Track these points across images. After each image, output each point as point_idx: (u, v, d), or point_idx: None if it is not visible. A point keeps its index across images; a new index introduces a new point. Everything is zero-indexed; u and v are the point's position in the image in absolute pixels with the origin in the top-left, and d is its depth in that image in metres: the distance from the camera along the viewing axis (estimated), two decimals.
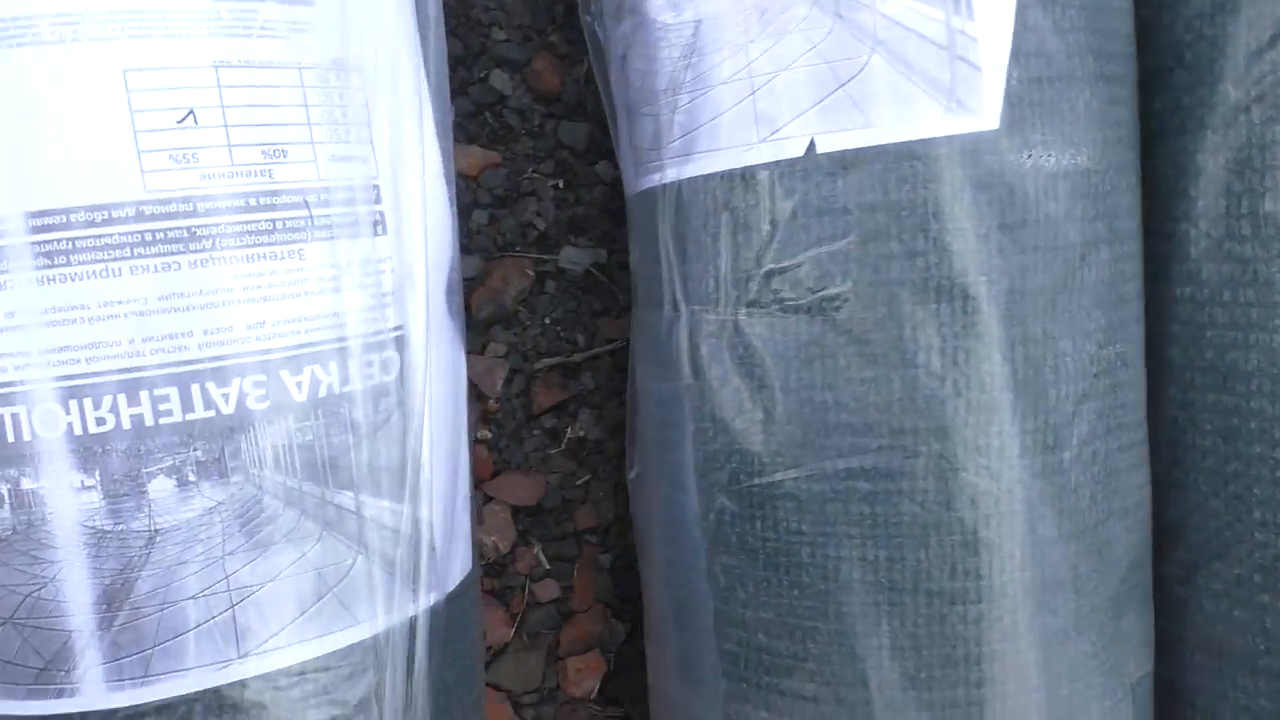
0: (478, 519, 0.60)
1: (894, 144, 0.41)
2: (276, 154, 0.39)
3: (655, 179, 0.47)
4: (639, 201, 0.50)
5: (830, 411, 0.43)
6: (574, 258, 0.62)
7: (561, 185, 0.63)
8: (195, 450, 0.38)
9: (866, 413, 0.42)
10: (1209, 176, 0.46)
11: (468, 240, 0.61)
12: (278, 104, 0.39)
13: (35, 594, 0.38)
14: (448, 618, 0.44)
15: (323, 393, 0.40)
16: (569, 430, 0.63)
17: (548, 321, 0.63)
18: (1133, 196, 0.46)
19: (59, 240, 0.37)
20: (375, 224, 0.42)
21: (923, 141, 0.41)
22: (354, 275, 0.41)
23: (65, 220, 0.37)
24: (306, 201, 0.39)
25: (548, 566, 0.63)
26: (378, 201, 0.42)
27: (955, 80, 0.41)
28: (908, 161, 0.41)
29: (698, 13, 0.44)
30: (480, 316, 0.61)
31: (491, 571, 0.62)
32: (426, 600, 0.43)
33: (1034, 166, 0.42)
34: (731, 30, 0.43)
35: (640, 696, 0.62)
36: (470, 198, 0.61)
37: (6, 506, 0.38)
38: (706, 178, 0.44)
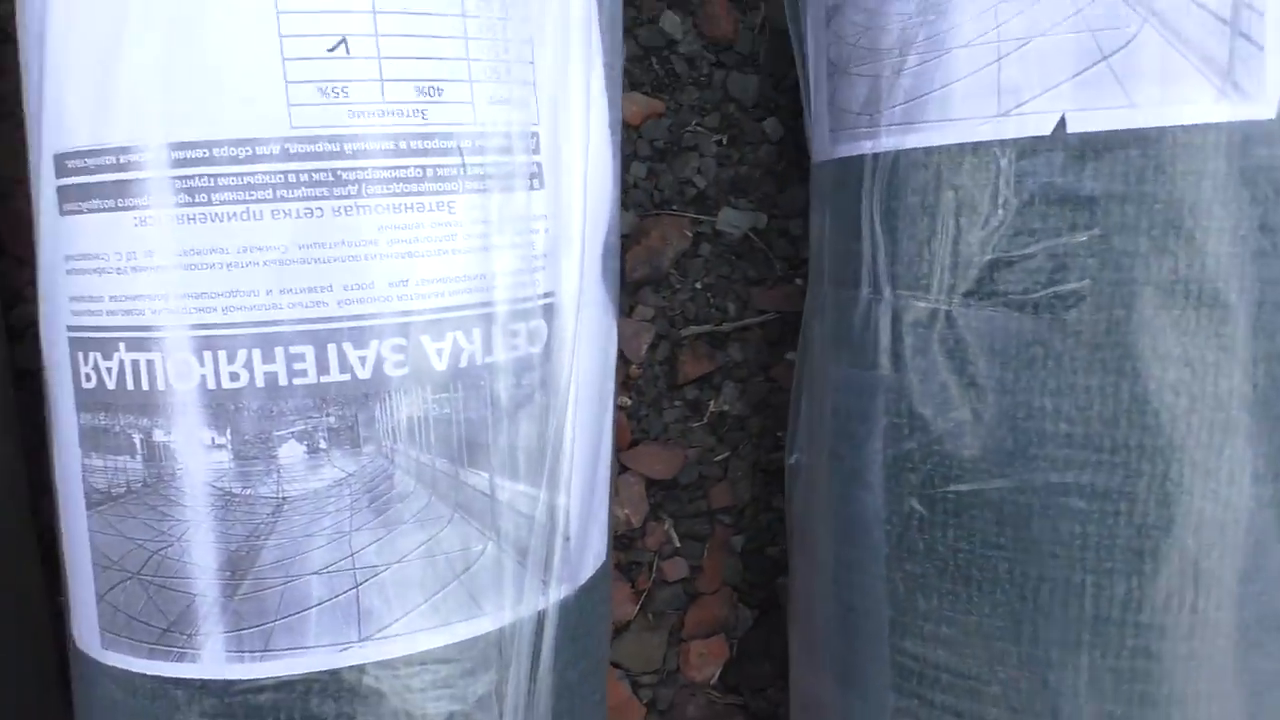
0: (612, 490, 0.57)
1: (1155, 128, 0.37)
2: (432, 92, 0.35)
3: (865, 146, 0.43)
4: (835, 169, 0.46)
5: (1048, 419, 0.39)
6: (733, 220, 0.59)
7: (725, 141, 0.59)
8: (329, 416, 0.36)
9: (1089, 424, 0.38)
10: None
11: (624, 195, 0.58)
12: (436, 34, 0.35)
13: (162, 551, 0.36)
14: (579, 611, 0.41)
15: (464, 362, 0.37)
16: (711, 403, 0.59)
17: (699, 287, 0.59)
18: None
19: (202, 176, 0.34)
20: (532, 177, 0.38)
21: (1187, 128, 0.36)
22: (505, 233, 0.37)
23: (209, 154, 0.34)
24: (460, 147, 0.36)
25: (678, 544, 0.60)
26: (536, 152, 0.38)
27: (1234, 60, 0.36)
28: (1169, 149, 0.37)
29: None
30: (634, 277, 0.57)
31: (620, 545, 0.59)
32: (558, 593, 0.40)
33: None
34: None
35: (762, 687, 0.60)
36: (630, 148, 0.58)
37: (138, 457, 0.36)
38: (930, 150, 0.40)
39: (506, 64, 0.37)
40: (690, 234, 0.58)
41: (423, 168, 0.35)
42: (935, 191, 0.40)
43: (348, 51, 0.34)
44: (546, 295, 0.39)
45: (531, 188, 0.38)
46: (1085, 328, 0.38)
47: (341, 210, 0.35)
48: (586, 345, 0.41)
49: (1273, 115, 0.36)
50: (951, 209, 0.40)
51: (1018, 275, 0.39)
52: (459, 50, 0.36)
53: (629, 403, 0.59)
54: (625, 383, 0.59)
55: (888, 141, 0.42)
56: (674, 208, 0.58)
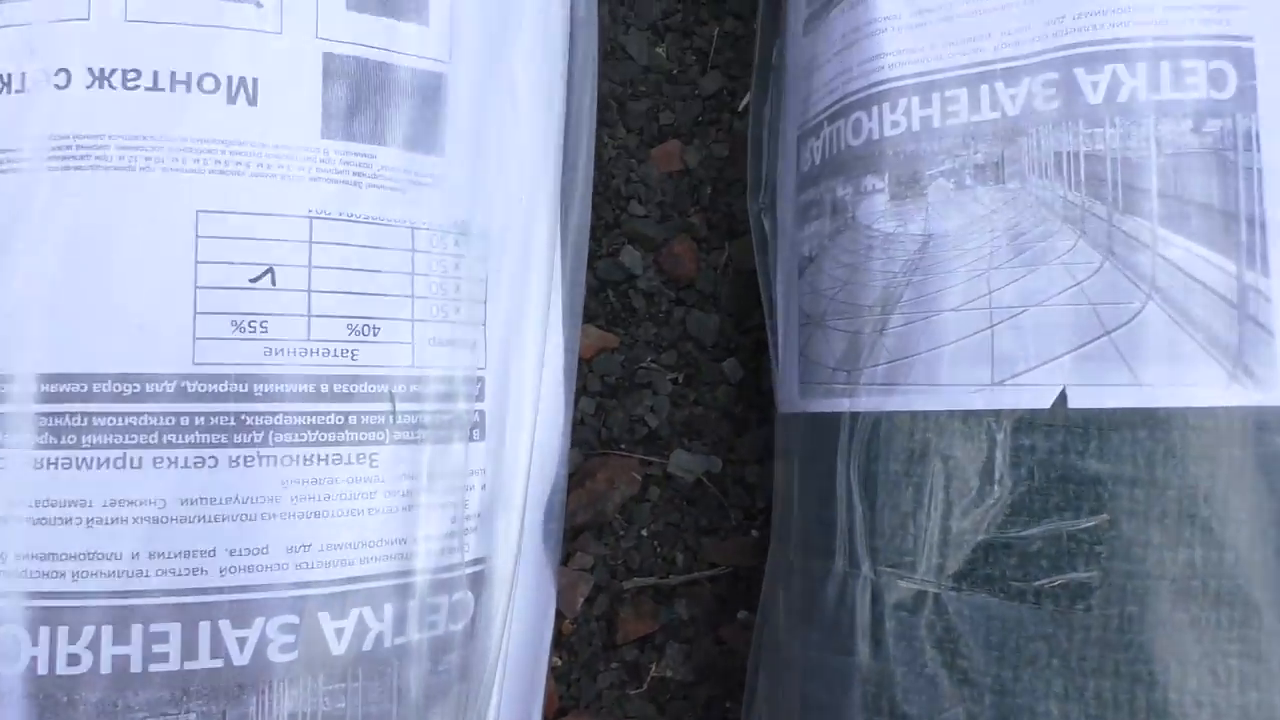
0: None
1: (1165, 409, 0.34)
2: (366, 330, 0.31)
3: (841, 404, 0.40)
4: (806, 424, 0.42)
5: None
6: (685, 464, 0.55)
7: (681, 380, 0.56)
8: (188, 714, 0.30)
9: None
10: None
11: (571, 430, 0.54)
12: (378, 269, 0.32)
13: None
14: None
15: (369, 644, 0.32)
16: (653, 667, 0.54)
17: (645, 534, 0.54)
18: None
19: (73, 415, 0.29)
20: (473, 427, 0.34)
21: (1199, 410, 0.34)
22: (435, 491, 0.33)
23: (86, 389, 0.29)
24: (392, 393, 0.32)
25: None
26: (480, 399, 0.34)
27: (1244, 344, 0.34)
28: (1180, 433, 0.34)
29: (930, 226, 0.37)
30: (575, 522, 0.53)
31: None
32: None
33: None
34: (972, 251, 0.36)
35: None
36: (579, 382, 0.54)
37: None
38: (916, 415, 0.37)
39: (457, 303, 0.33)
40: (639, 477, 0.54)
41: (345, 414, 0.31)
42: (922, 460, 0.37)
43: (273, 283, 0.30)
44: (476, 563, 0.33)
45: (471, 439, 0.34)
46: (1095, 624, 0.34)
47: (240, 460, 0.30)
48: (520, 622, 0.35)
49: None
50: (941, 481, 0.36)
51: (1016, 560, 0.35)
52: (402, 286, 0.32)
53: (559, 664, 0.53)
54: (557, 640, 0.53)
55: (867, 401, 0.39)
56: (622, 447, 0.54)
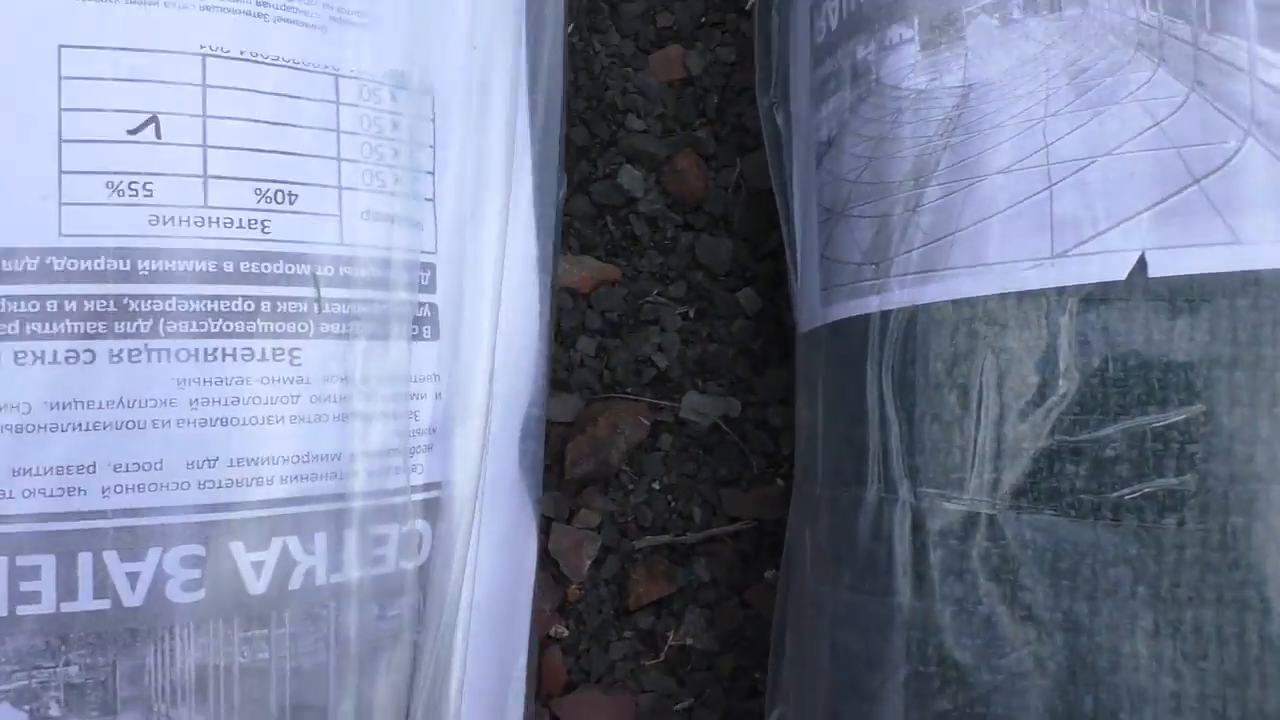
0: None
1: (1272, 270, 0.27)
2: (279, 197, 0.26)
3: (870, 303, 0.33)
4: (829, 335, 0.36)
5: (1144, 672, 0.27)
6: (700, 407, 0.48)
7: (692, 314, 0.49)
8: (69, 666, 0.24)
9: (1204, 680, 0.27)
10: None
11: (567, 374, 0.48)
12: (292, 123, 0.26)
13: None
14: None
15: (296, 583, 0.26)
16: (671, 635, 0.47)
17: (657, 487, 0.48)
18: None
19: None
20: (419, 322, 0.29)
21: None
22: (375, 398, 0.27)
23: None
24: (316, 275, 0.26)
25: None
26: (429, 289, 0.29)
27: None
28: None
29: (969, 75, 0.31)
30: (575, 474, 0.46)
31: None
32: None
33: None
34: (1023, 99, 0.30)
35: None
36: (577, 320, 0.48)
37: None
38: (960, 304, 0.31)
39: (395, 170, 0.27)
40: (647, 422, 0.48)
41: (255, 299, 0.25)
42: (969, 357, 0.30)
43: (158, 134, 0.24)
44: (430, 487, 0.28)
45: (418, 336, 0.28)
46: (1190, 541, 0.27)
47: (123, 354, 0.24)
48: (490, 560, 0.29)
49: None
50: (993, 380, 0.30)
51: (1089, 469, 0.28)
52: (325, 145, 0.26)
53: (565, 634, 0.47)
54: (562, 608, 0.47)
55: (901, 295, 0.32)
56: (628, 391, 0.48)
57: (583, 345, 0.48)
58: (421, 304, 0.28)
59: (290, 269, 0.25)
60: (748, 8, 0.50)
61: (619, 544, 0.47)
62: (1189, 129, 0.28)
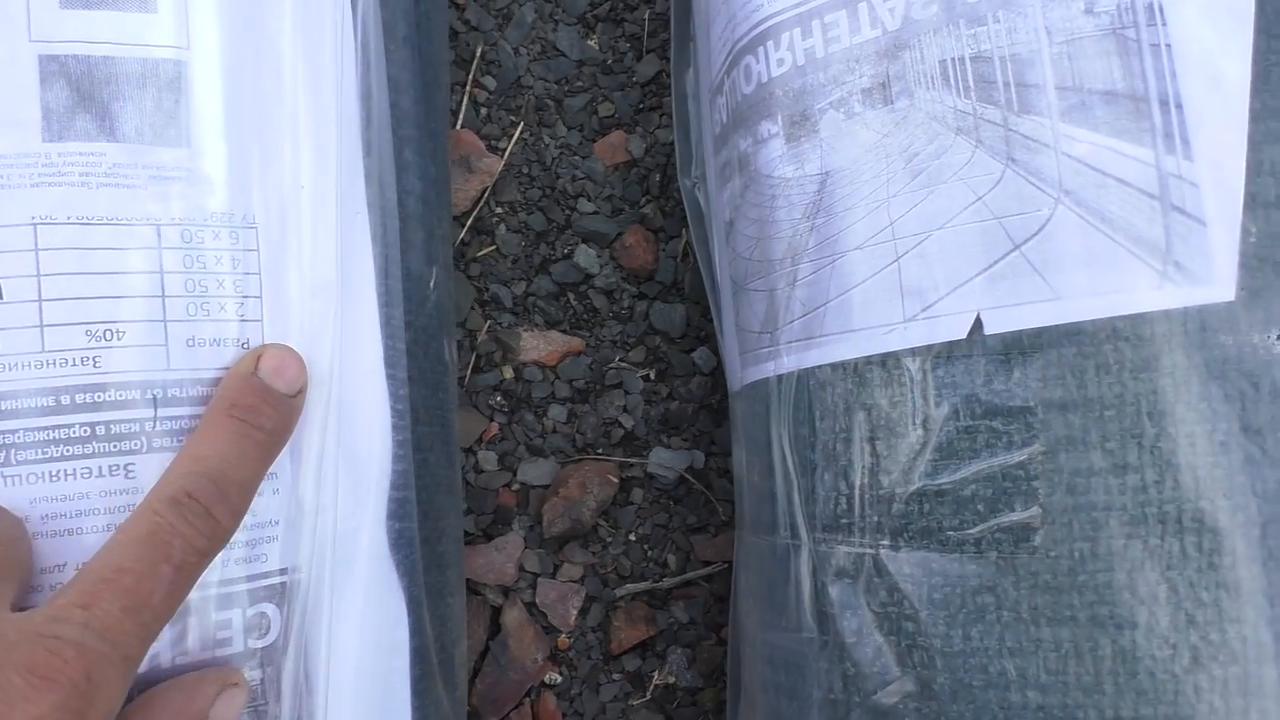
0: None
1: (1091, 321, 0.31)
2: (108, 335, 0.30)
3: (768, 369, 0.37)
4: (747, 396, 0.40)
5: (1013, 688, 0.31)
6: (666, 461, 0.52)
7: (653, 376, 0.53)
8: None
9: (1066, 691, 0.30)
10: None
11: (541, 441, 0.52)
12: (117, 270, 0.30)
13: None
14: None
15: (143, 666, 0.29)
16: (656, 675, 0.51)
17: (633, 538, 0.52)
18: None
19: None
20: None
21: (1131, 318, 0.30)
22: None
23: None
24: (152, 397, 0.30)
25: None
26: None
27: (1172, 237, 0.30)
28: (1111, 344, 0.30)
29: (825, 164, 0.35)
30: (552, 532, 0.51)
31: None
32: None
33: None
34: (869, 183, 0.34)
35: None
36: (547, 391, 0.52)
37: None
38: (835, 367, 0.34)
39: (219, 299, 0.31)
40: (616, 480, 0.52)
41: (91, 424, 0.29)
42: (846, 413, 0.34)
43: (0, 296, 0.29)
44: (280, 573, 0.31)
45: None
46: (1043, 568, 0.31)
47: None
48: (359, 634, 0.32)
49: (1231, 296, 0.30)
50: (866, 432, 0.34)
51: (951, 507, 0.32)
52: (148, 286, 0.30)
53: (559, 680, 0.51)
54: (554, 656, 0.51)
55: (789, 361, 0.36)
56: (599, 451, 0.52)
57: (554, 413, 0.52)
58: None
59: (121, 395, 0.29)
60: None
61: (601, 593, 0.51)
62: (1007, 201, 0.31)
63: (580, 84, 0.55)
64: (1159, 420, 0.30)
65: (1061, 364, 0.31)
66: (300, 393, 0.31)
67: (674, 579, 0.52)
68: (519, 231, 0.54)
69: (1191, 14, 0.31)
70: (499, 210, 0.54)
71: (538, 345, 0.53)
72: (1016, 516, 0.31)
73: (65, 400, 0.29)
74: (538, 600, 0.51)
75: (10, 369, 0.29)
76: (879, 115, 0.34)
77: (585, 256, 0.54)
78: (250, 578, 0.30)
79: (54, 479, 0.29)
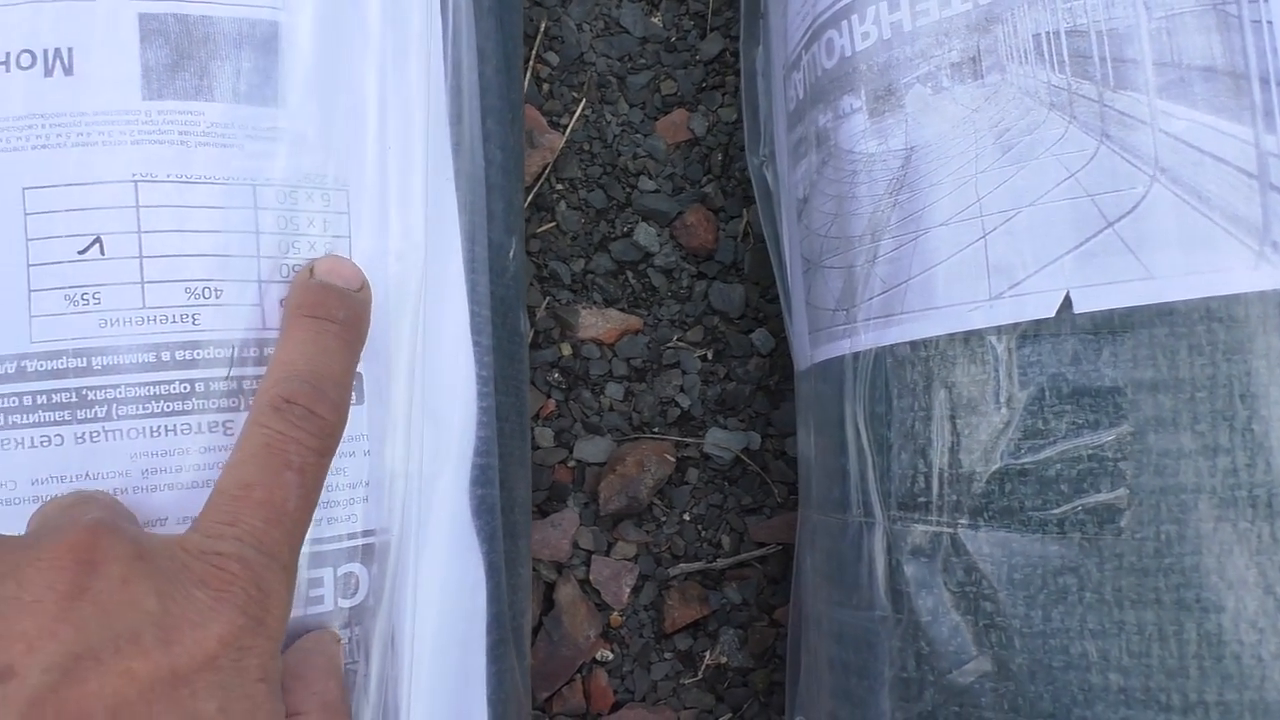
0: None
1: (1184, 301, 0.30)
2: (206, 293, 0.30)
3: (843, 345, 0.37)
4: (817, 374, 0.40)
5: (1094, 669, 0.30)
6: (722, 441, 0.52)
7: (710, 356, 0.53)
8: None
9: (1149, 674, 0.30)
10: None
11: (598, 419, 0.52)
12: (216, 229, 0.30)
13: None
14: None
15: None
16: (707, 655, 0.51)
17: (687, 518, 0.52)
18: None
19: None
20: None
21: (1225, 299, 0.30)
22: None
23: None
24: (240, 357, 0.30)
25: None
26: None
27: (1269, 217, 0.30)
28: (1204, 325, 0.30)
29: (910, 139, 0.35)
30: (609, 510, 0.51)
31: None
32: None
33: None
34: (956, 158, 0.33)
35: None
36: (604, 369, 0.52)
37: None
38: (917, 345, 0.34)
39: (311, 260, 0.31)
40: (673, 459, 0.52)
41: (190, 381, 0.29)
42: (926, 392, 0.34)
43: (102, 252, 0.29)
44: (366, 534, 0.31)
45: None
46: (1128, 549, 0.30)
47: (85, 436, 0.29)
48: (440, 596, 0.32)
49: None
50: (947, 411, 0.33)
51: (1034, 487, 0.31)
52: (246, 246, 0.30)
53: (610, 657, 0.51)
54: (606, 633, 0.51)
55: (867, 338, 0.36)
56: (655, 431, 0.52)
57: (611, 391, 0.52)
58: None
59: (218, 354, 0.30)
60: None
61: (655, 572, 0.51)
62: (1100, 178, 0.31)
63: (643, 61, 0.55)
64: (1251, 403, 0.30)
65: (1153, 344, 0.30)
66: (363, 287, 0.32)
67: (728, 560, 0.51)
68: (579, 209, 0.54)
69: None
70: (560, 187, 0.54)
71: (596, 323, 0.53)
72: (1102, 497, 0.31)
73: (165, 357, 0.29)
74: (591, 577, 0.51)
75: (112, 324, 0.29)
76: (968, 90, 0.33)
77: (645, 235, 0.53)
78: (339, 537, 0.31)
79: (154, 434, 0.29)
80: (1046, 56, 0.32)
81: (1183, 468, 0.30)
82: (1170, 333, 0.30)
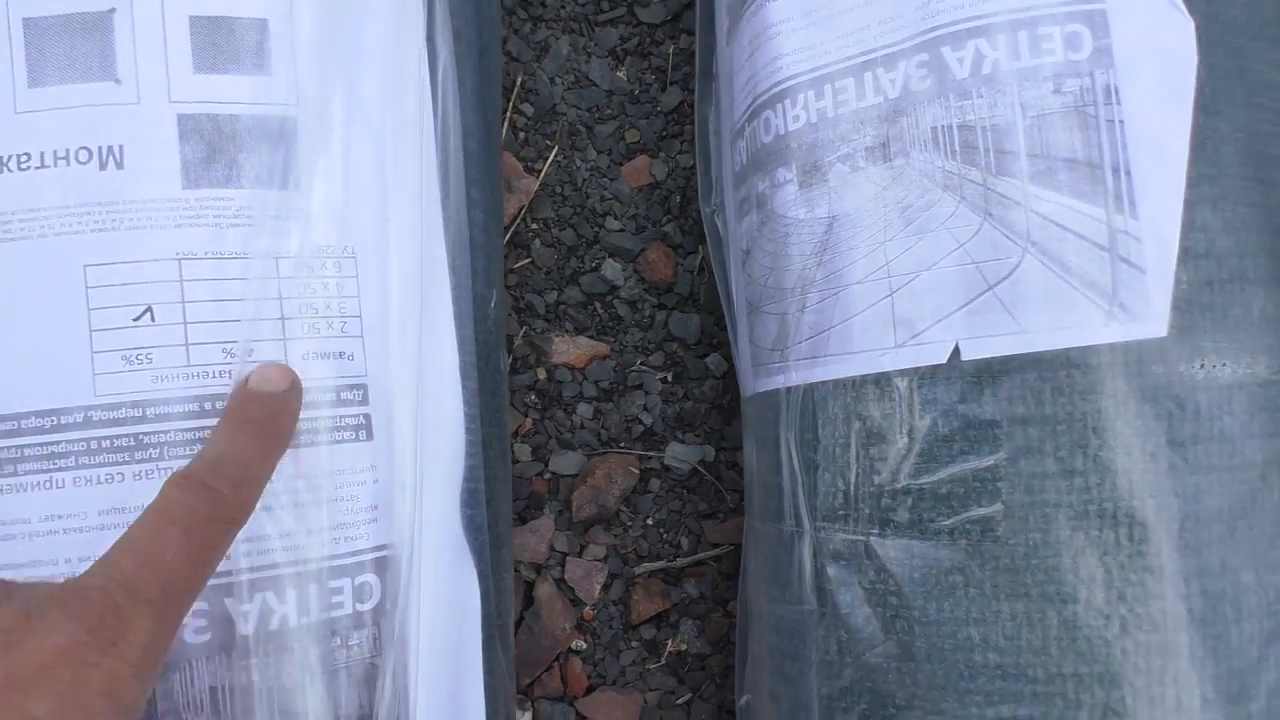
0: None
1: (1049, 351, 0.37)
2: (240, 352, 0.36)
3: (778, 381, 0.44)
4: (757, 403, 0.46)
5: (976, 650, 0.37)
6: (681, 455, 0.59)
7: (670, 379, 0.60)
8: None
9: (1019, 653, 0.37)
10: None
11: (570, 435, 0.58)
12: (246, 298, 0.36)
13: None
14: None
15: (274, 624, 0.35)
16: (670, 643, 0.58)
17: (650, 523, 0.59)
18: None
19: (8, 448, 0.34)
20: (358, 429, 0.38)
21: (1081, 349, 0.37)
22: (324, 488, 0.37)
23: (15, 426, 0.34)
24: None
25: None
26: (363, 403, 0.38)
27: (1117, 283, 0.37)
28: (1064, 371, 0.37)
29: (832, 209, 0.41)
30: (580, 516, 0.57)
31: None
32: None
33: (1206, 377, 0.37)
34: (869, 228, 0.40)
35: None
36: (575, 390, 0.59)
37: None
38: (836, 383, 0.41)
39: (328, 319, 0.37)
40: (637, 470, 0.58)
41: None
42: (845, 423, 0.40)
43: (153, 319, 0.35)
44: (379, 549, 0.37)
45: (358, 439, 0.37)
46: (1004, 553, 0.37)
47: (142, 474, 0.34)
48: (438, 600, 0.38)
49: (1164, 332, 0.37)
50: (861, 438, 0.40)
51: (930, 503, 0.38)
52: (271, 310, 0.36)
53: (584, 646, 0.57)
54: (580, 626, 0.57)
55: (797, 375, 0.42)
56: (621, 445, 0.59)
57: (581, 410, 0.59)
58: (357, 415, 0.37)
59: None
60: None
61: (622, 571, 0.58)
62: (984, 249, 0.38)
63: (610, 112, 0.61)
64: (1101, 434, 0.36)
65: (1024, 386, 0.37)
66: (291, 387, 0.36)
67: (686, 559, 0.58)
68: (552, 246, 0.60)
69: (1142, 95, 0.37)
70: (534, 226, 0.60)
71: (568, 349, 0.59)
72: (983, 511, 0.37)
73: (207, 406, 0.35)
74: (566, 576, 0.57)
75: (163, 380, 0.35)
76: (879, 170, 0.40)
77: (611, 269, 0.60)
78: (355, 552, 0.37)
79: None
80: (942, 146, 0.39)
81: (1047, 487, 0.37)
82: (1038, 377, 0.37)
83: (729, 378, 0.60)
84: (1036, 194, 0.37)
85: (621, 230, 0.60)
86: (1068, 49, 0.38)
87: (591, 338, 0.60)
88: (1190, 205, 0.37)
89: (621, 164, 0.61)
